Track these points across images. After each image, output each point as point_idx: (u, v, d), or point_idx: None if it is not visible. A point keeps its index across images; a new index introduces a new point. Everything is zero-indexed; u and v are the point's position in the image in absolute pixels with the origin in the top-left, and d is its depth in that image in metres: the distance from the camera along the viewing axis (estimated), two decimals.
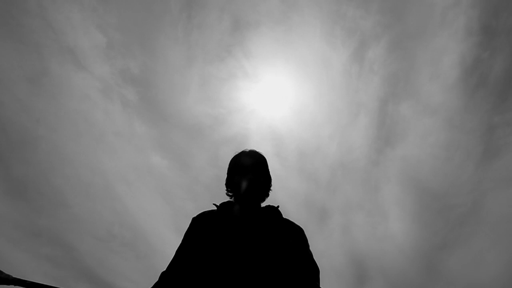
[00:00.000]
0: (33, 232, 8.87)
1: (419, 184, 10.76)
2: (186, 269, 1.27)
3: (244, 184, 1.36)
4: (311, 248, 1.34)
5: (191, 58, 10.38)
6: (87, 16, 9.10)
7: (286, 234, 1.30)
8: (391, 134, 10.81)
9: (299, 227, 1.38)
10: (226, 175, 1.47)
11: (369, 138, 10.87)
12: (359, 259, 10.63)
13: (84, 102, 9.82)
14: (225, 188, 1.45)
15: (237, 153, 1.48)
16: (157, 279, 1.30)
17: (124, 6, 9.48)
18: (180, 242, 1.38)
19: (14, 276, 1.27)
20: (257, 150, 1.48)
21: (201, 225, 1.36)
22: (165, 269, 1.32)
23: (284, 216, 1.40)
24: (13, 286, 1.29)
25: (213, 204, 1.42)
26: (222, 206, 1.40)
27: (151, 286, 1.27)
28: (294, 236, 1.32)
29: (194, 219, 1.41)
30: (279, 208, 1.42)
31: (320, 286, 1.24)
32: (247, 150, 1.47)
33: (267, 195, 1.44)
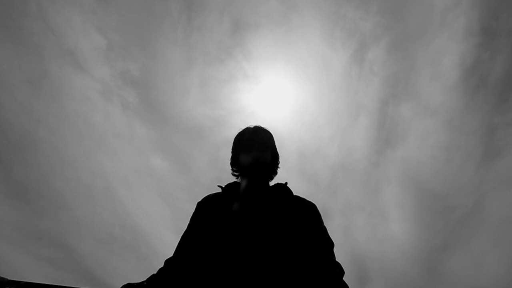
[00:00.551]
0: (34, 234, 8.86)
1: (420, 185, 10.75)
2: (192, 255, 1.18)
3: (250, 162, 1.27)
4: (325, 224, 1.25)
5: (191, 60, 10.39)
6: (87, 18, 9.11)
7: (297, 212, 1.20)
8: (391, 135, 10.80)
9: (310, 203, 1.28)
10: (230, 154, 1.37)
11: (370, 139, 10.87)
12: (359, 260, 10.61)
13: (84, 104, 9.83)
14: (230, 168, 1.36)
15: (241, 129, 1.39)
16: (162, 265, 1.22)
17: (124, 8, 9.49)
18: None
19: (9, 278, 1.25)
20: (263, 126, 1.39)
21: (206, 208, 1.27)
22: (170, 257, 1.24)
23: (294, 194, 1.30)
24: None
25: (218, 186, 1.33)
26: (228, 187, 1.31)
27: (154, 272, 1.21)
28: (306, 213, 1.22)
29: (199, 204, 1.32)
30: (288, 185, 1.32)
31: (337, 260, 1.16)
32: (251, 126, 1.37)
33: (275, 172, 1.36)
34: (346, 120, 10.90)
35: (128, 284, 1.10)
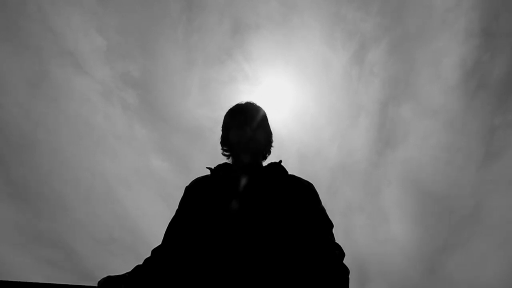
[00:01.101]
0: (34, 235, 8.85)
1: (420, 187, 10.73)
2: (181, 242, 1.10)
3: (241, 140, 1.20)
4: (323, 204, 1.18)
5: (191, 61, 10.39)
6: (87, 19, 9.11)
7: (293, 192, 1.12)
8: (391, 136, 10.79)
9: (307, 182, 1.20)
10: (220, 132, 1.30)
11: (370, 140, 10.86)
12: (360, 262, 10.58)
13: (85, 106, 9.82)
14: (221, 147, 1.30)
15: (231, 106, 1.30)
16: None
17: (124, 9, 9.50)
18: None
19: None
20: (255, 102, 1.30)
21: (195, 193, 1.19)
22: (157, 246, 1.16)
23: (290, 173, 1.23)
24: None
25: (207, 167, 1.23)
26: (218, 169, 1.22)
27: (140, 263, 1.12)
28: (303, 193, 1.14)
29: (187, 188, 1.23)
30: (282, 164, 1.24)
31: (336, 241, 1.10)
32: (243, 102, 1.29)
33: (269, 152, 1.29)
34: (346, 121, 10.89)
35: (108, 276, 1.04)
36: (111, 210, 10.25)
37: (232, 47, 10.52)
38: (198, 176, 1.26)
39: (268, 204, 1.06)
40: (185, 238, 1.10)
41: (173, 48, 10.21)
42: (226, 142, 1.28)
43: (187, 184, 1.25)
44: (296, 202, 1.10)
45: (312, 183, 1.22)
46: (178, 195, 1.25)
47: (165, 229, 1.19)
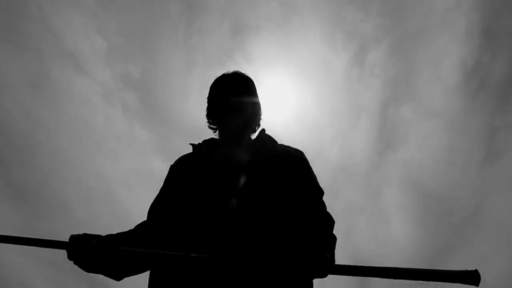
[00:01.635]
0: (34, 236, 8.83)
1: (421, 188, 10.72)
2: (163, 222, 1.05)
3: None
4: (315, 172, 1.14)
5: (192, 62, 10.38)
6: (88, 20, 9.12)
7: (283, 164, 1.07)
8: (392, 138, 10.78)
9: (296, 151, 1.16)
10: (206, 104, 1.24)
11: (371, 141, 10.84)
12: (360, 263, 10.54)
13: (85, 107, 9.82)
14: (207, 120, 1.24)
15: (218, 77, 1.24)
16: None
17: (124, 10, 9.51)
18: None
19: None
20: (243, 72, 1.24)
21: (179, 171, 1.14)
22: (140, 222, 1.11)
23: (280, 143, 1.17)
24: None
25: (190, 144, 1.17)
26: (202, 144, 1.17)
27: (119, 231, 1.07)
28: (293, 164, 1.09)
29: (172, 167, 1.18)
30: (266, 133, 1.19)
31: (327, 210, 1.06)
32: (229, 72, 1.24)
33: (258, 124, 1.24)
34: (347, 123, 10.88)
35: (85, 234, 1.00)
36: (111, 211, 10.25)
37: (232, 48, 10.52)
38: (183, 154, 1.20)
39: (256, 180, 1.01)
40: (167, 218, 1.05)
41: (174, 49, 10.22)
42: (212, 115, 1.22)
43: (172, 163, 1.20)
44: (286, 174, 1.05)
45: (302, 150, 1.17)
46: None
47: (148, 208, 1.15)
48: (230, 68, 1.28)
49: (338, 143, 11.16)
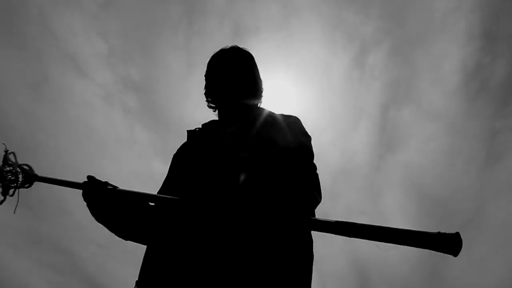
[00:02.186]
0: (35, 239, 8.83)
1: (421, 190, 10.70)
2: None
3: (227, 89, 1.09)
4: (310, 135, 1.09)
5: (192, 64, 10.40)
6: (88, 23, 9.14)
7: (278, 130, 1.01)
8: (392, 140, 10.78)
9: (292, 118, 1.10)
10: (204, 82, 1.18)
11: (371, 144, 10.84)
12: (361, 266, 10.55)
13: (85, 109, 9.83)
14: (205, 99, 1.18)
15: (215, 52, 1.18)
16: None
17: (125, 13, 9.53)
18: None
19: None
20: (241, 47, 1.17)
21: (178, 159, 1.10)
22: None
23: (276, 112, 1.12)
24: None
25: (187, 131, 1.12)
26: (204, 128, 1.11)
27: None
28: (288, 130, 1.04)
29: (174, 156, 1.13)
30: (261, 106, 1.14)
31: (317, 172, 1.02)
32: (227, 47, 1.17)
33: (259, 99, 1.18)
34: (347, 125, 10.88)
35: (91, 176, 1.04)
36: None
37: None
38: (184, 142, 1.16)
39: (251, 146, 0.95)
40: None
41: (174, 51, 10.24)
42: (211, 93, 1.15)
43: (175, 152, 1.16)
44: (280, 140, 0.98)
45: (297, 116, 1.13)
46: None
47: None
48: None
49: (339, 146, 11.16)
